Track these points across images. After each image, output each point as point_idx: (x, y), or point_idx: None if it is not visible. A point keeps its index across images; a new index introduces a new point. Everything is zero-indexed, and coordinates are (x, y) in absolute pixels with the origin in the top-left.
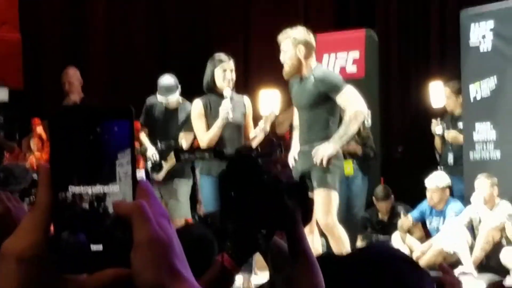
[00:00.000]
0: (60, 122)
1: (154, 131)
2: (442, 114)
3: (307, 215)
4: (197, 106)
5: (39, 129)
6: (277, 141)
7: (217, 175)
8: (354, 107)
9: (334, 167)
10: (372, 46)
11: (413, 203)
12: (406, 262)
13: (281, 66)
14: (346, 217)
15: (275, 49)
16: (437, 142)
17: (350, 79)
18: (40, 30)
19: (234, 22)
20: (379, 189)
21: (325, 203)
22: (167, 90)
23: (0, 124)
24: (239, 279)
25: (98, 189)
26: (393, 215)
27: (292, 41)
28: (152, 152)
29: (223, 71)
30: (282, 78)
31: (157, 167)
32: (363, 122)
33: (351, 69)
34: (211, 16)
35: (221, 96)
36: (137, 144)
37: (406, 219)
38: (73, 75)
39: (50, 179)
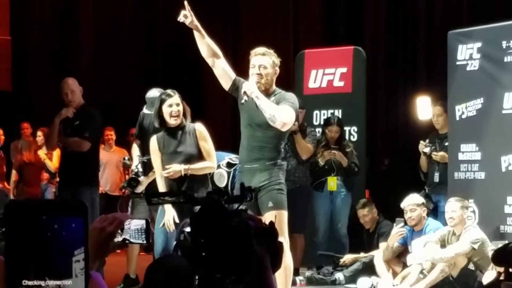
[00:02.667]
0: (18, 217)
1: (145, 143)
2: (428, 133)
3: (276, 260)
4: (152, 143)
5: (39, 134)
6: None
7: (189, 219)
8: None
9: (283, 186)
10: (359, 62)
11: (397, 216)
12: None
13: None
14: (329, 232)
15: None
16: (423, 160)
17: (338, 94)
18: (29, 33)
19: (223, 34)
20: (360, 200)
21: (278, 224)
22: (153, 104)
23: None
24: None
25: (52, 284)
26: (377, 229)
27: (272, 62)
28: (135, 165)
29: (169, 106)
30: None
31: (133, 182)
32: (344, 138)
33: (339, 84)
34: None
35: (172, 130)
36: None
37: (386, 250)
38: (73, 84)
39: (4, 273)
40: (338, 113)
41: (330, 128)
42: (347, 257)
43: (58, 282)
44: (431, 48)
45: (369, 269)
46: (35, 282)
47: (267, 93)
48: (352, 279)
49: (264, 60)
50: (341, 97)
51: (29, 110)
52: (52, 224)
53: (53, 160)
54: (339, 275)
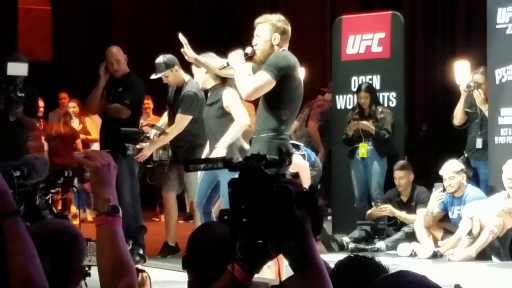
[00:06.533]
0: None
1: (170, 112)
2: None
3: (317, 225)
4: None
5: (72, 105)
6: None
7: (228, 184)
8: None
9: None
10: (398, 27)
11: (435, 182)
12: None
13: (305, 46)
14: (362, 197)
15: (300, 30)
16: (459, 111)
17: (376, 59)
18: (68, 3)
19: (259, 3)
20: (399, 161)
21: None
22: (155, 69)
23: (21, 99)
24: None
25: None
26: (412, 197)
27: (269, 27)
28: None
29: None
30: (305, 59)
31: (125, 147)
32: (379, 104)
33: (377, 49)
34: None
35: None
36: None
37: (426, 215)
38: (118, 53)
39: None
40: (376, 78)
41: (359, 94)
42: (387, 206)
43: None
44: (470, 12)
45: (410, 238)
46: None
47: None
48: (393, 247)
49: (258, 29)
50: (380, 63)
51: (68, 80)
52: None
53: (92, 134)
54: (381, 244)
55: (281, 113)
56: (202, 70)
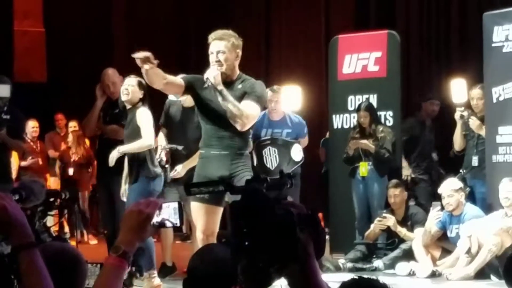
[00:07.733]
0: None
1: (172, 131)
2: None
3: (320, 247)
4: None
5: (73, 124)
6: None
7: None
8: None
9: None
10: (394, 46)
11: (434, 200)
12: None
13: (300, 65)
14: (364, 217)
15: (296, 51)
16: (457, 136)
17: (372, 79)
18: (62, 24)
19: (254, 23)
20: (393, 180)
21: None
22: None
23: (4, 121)
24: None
25: None
26: (407, 216)
27: (232, 45)
28: (158, 155)
29: None
30: (301, 78)
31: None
32: (380, 123)
33: (373, 68)
34: (232, 15)
35: None
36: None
37: (425, 234)
38: (114, 75)
39: None
40: (373, 98)
41: (359, 113)
42: (390, 218)
43: None
44: (465, 30)
45: (408, 255)
46: None
47: (231, 79)
48: (391, 266)
49: (221, 45)
50: (376, 82)
51: (64, 101)
52: None
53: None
54: (379, 263)
55: (249, 133)
56: None
